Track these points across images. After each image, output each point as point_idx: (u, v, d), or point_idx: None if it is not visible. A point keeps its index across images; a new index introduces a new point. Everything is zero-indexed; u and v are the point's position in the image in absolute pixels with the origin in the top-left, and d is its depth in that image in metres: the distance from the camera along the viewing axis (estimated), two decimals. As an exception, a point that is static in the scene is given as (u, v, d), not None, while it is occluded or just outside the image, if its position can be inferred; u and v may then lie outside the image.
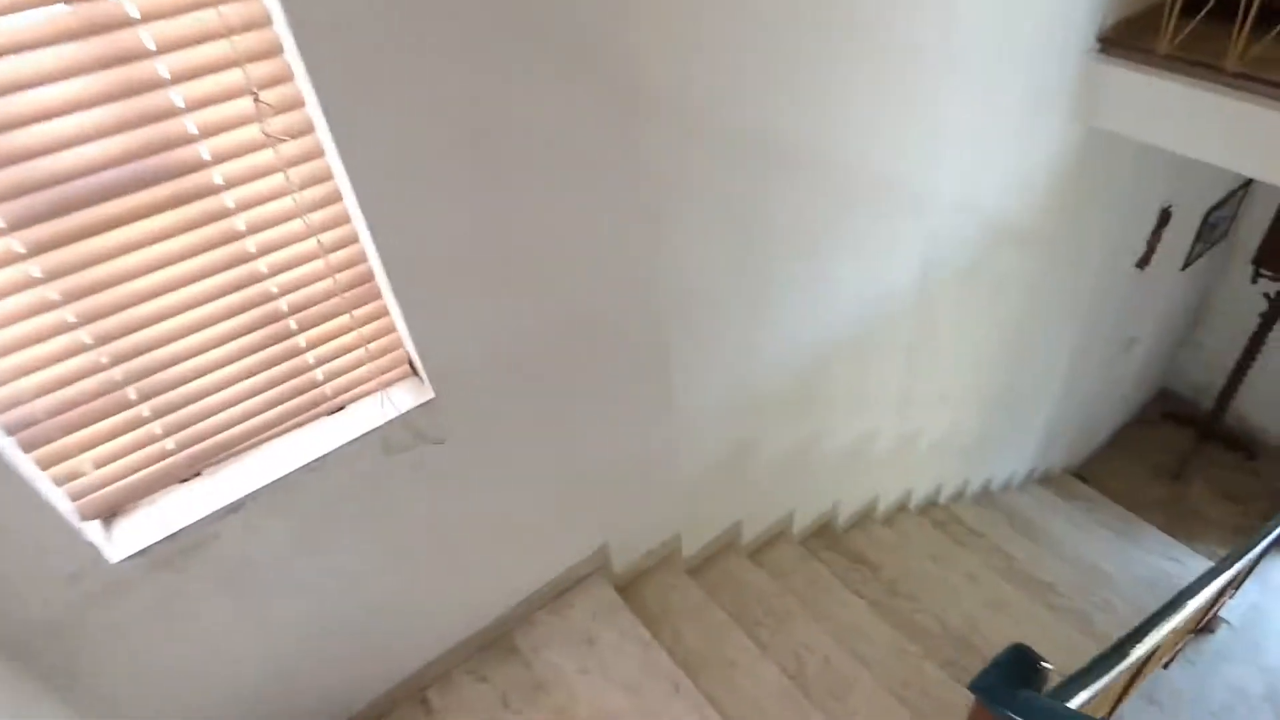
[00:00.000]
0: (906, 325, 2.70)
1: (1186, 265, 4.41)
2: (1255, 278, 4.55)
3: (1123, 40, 2.51)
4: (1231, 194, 4.29)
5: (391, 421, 1.49)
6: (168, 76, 1.06)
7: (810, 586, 2.75)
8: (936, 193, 2.36)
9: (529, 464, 1.82)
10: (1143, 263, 3.92)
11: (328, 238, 1.30)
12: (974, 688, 1.23)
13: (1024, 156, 2.61)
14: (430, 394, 1.51)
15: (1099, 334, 4.17)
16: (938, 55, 2.02)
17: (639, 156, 1.53)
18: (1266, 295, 4.51)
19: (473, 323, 1.49)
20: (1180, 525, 4.86)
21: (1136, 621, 2.14)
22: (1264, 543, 2.97)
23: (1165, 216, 3.78)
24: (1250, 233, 4.70)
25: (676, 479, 2.22)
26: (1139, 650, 1.92)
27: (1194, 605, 2.29)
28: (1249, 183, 4.38)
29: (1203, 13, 2.24)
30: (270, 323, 1.32)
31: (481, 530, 1.83)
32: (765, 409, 2.34)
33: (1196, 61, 2.33)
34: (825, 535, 3.13)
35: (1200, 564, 4.50)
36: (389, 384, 1.53)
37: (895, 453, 3.21)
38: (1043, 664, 1.26)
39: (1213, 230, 4.36)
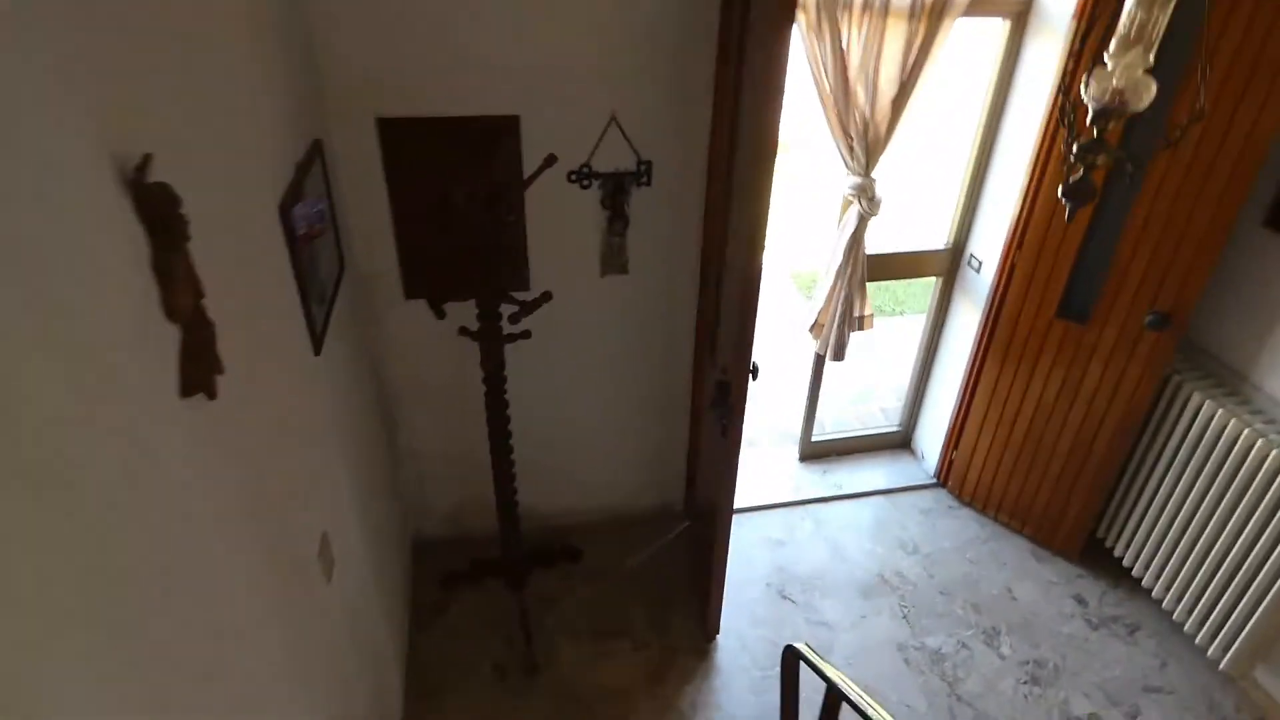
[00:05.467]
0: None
1: (320, 343, 1.91)
2: (441, 315, 2.41)
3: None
4: (311, 159, 1.91)
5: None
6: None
7: None
8: None
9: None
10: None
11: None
12: None
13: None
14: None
15: (278, 558, 1.34)
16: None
17: None
18: (464, 328, 2.42)
19: None
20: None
21: None
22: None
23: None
24: (365, 246, 2.52)
25: None
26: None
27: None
28: (318, 143, 2.08)
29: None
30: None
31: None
32: None
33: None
34: None
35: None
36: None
37: None
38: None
39: (312, 245, 1.94)
